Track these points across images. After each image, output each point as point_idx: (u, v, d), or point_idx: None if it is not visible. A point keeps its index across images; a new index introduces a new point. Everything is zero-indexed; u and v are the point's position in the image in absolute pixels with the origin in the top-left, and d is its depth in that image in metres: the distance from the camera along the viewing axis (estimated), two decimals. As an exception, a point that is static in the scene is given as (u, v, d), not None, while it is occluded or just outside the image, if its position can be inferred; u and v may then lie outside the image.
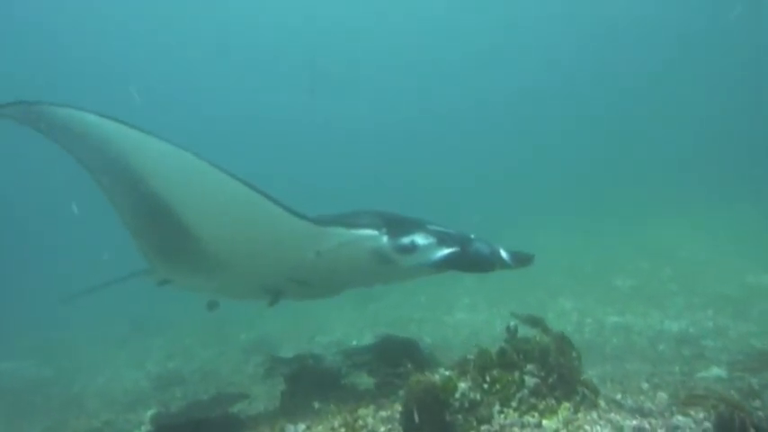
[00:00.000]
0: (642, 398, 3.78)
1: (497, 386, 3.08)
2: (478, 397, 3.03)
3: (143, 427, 5.94)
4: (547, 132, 32.72)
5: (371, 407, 3.81)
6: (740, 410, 2.65)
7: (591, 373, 6.01)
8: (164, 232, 3.85)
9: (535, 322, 3.62)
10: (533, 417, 2.99)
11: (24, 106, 3.01)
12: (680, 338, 7.82)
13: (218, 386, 7.58)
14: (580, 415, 3.03)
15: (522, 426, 2.95)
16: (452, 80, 35.47)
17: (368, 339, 10.10)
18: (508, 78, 34.35)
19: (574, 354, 3.35)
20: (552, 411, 3.02)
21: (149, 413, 6.25)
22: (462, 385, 3.10)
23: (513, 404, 3.03)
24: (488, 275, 4.90)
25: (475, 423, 2.97)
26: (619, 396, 3.68)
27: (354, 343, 10.04)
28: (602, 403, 3.34)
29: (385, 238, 4.20)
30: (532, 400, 3.08)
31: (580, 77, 32.42)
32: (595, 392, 3.29)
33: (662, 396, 4.21)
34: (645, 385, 4.74)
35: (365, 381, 4.81)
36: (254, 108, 35.56)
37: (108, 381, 9.63)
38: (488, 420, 2.97)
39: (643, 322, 8.73)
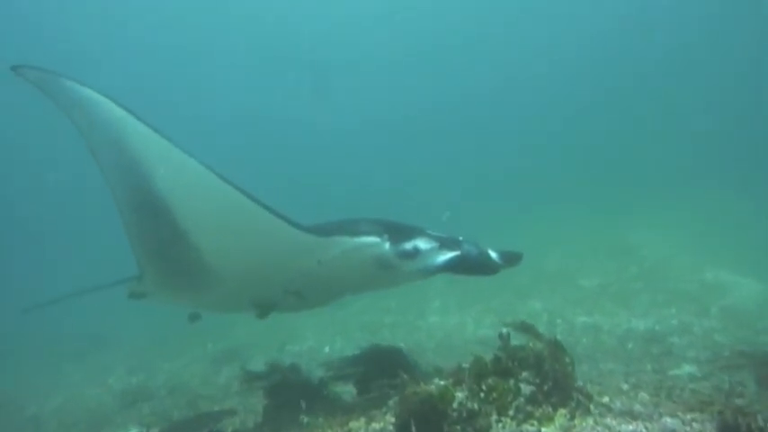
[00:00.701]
0: (628, 400, 3.82)
1: (494, 395, 3.06)
2: (476, 406, 3.00)
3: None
4: (515, 132, 33.30)
5: (362, 419, 3.74)
6: (745, 415, 2.71)
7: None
8: (162, 238, 3.74)
9: (527, 329, 3.63)
10: (532, 425, 2.98)
11: (52, 76, 2.98)
12: (647, 337, 8.02)
13: (188, 400, 7.38)
14: (576, 422, 3.05)
15: (522, 434, 2.94)
16: (435, 75, 35.59)
17: (339, 346, 10.03)
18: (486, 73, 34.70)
19: (567, 359, 3.36)
20: (549, 419, 3.02)
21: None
22: (459, 395, 3.06)
23: (511, 413, 3.01)
24: (457, 278, 4.96)
25: (473, 433, 2.95)
26: (606, 399, 3.70)
27: (327, 350, 9.95)
28: (593, 408, 3.37)
29: (387, 245, 4.21)
30: (529, 408, 3.07)
31: (560, 76, 33.00)
32: (589, 398, 3.32)
33: (644, 396, 4.29)
34: (624, 386, 4.81)
35: (350, 392, 4.74)
36: (250, 107, 35.31)
37: (67, 400, 9.22)
38: (487, 430, 2.95)
39: (611, 321, 8.92)
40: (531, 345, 3.38)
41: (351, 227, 4.21)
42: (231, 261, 3.97)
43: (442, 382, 3.24)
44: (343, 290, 4.88)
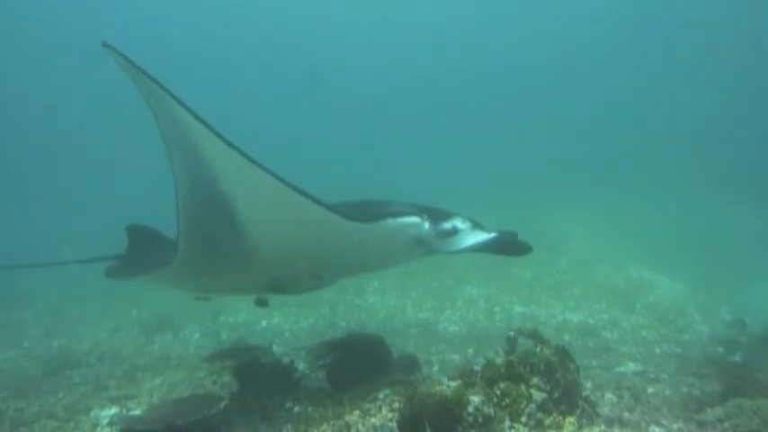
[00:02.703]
0: (615, 407, 3.93)
1: (507, 400, 3.06)
2: (492, 412, 2.99)
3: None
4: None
5: (356, 412, 3.65)
6: None
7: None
8: (215, 227, 3.72)
9: (532, 335, 3.66)
10: (544, 433, 3.02)
11: (136, 70, 2.95)
12: (582, 330, 8.45)
13: (125, 371, 6.88)
14: (585, 431, 3.12)
15: (535, 443, 2.97)
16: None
17: (277, 321, 9.81)
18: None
19: (572, 367, 3.43)
20: (559, 427, 3.08)
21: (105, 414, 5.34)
22: (475, 399, 3.04)
23: (523, 419, 3.04)
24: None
25: (488, 440, 2.94)
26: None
27: (264, 324, 9.72)
28: (587, 413, 3.46)
29: (427, 224, 4.37)
30: (540, 416, 3.11)
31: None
32: (593, 407, 3.40)
33: (611, 398, 4.50)
34: (588, 384, 4.99)
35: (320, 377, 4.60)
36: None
37: (-25, 362, 8.42)
38: (500, 436, 2.95)
39: (546, 312, 9.31)
40: (541, 351, 3.40)
41: (390, 208, 4.31)
42: (276, 250, 3.95)
43: (452, 384, 3.21)
44: (366, 268, 5.08)
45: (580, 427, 3.14)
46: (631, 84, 30.01)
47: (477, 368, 3.31)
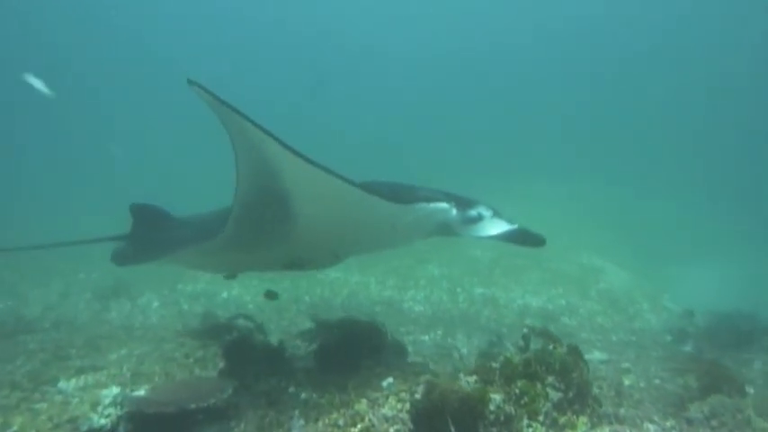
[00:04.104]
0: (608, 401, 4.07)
1: (526, 399, 3.13)
2: (513, 411, 3.05)
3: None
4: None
5: (363, 401, 3.63)
6: None
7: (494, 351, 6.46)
8: (267, 212, 3.81)
9: (544, 333, 3.72)
10: (561, 432, 3.10)
11: (219, 104, 3.14)
12: (542, 314, 8.73)
13: (86, 339, 6.56)
14: (598, 430, 3.23)
15: (554, 441, 3.05)
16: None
17: (237, 292, 9.62)
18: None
19: (583, 365, 3.52)
20: (573, 426, 3.17)
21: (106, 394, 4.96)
22: (496, 397, 3.08)
23: (540, 418, 3.11)
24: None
25: (510, 438, 3.00)
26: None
27: (225, 295, 9.51)
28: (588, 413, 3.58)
29: (454, 210, 4.51)
30: (555, 414, 3.19)
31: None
32: (600, 405, 3.52)
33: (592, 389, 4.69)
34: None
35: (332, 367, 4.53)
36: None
37: None
38: (518, 434, 3.02)
39: (506, 296, 9.55)
40: (556, 350, 3.47)
41: (421, 193, 4.41)
42: (316, 232, 4.06)
43: (469, 380, 3.24)
44: (385, 247, 5.23)
45: (592, 426, 3.26)
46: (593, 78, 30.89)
47: (495, 365, 3.35)
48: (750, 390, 4.57)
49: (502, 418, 3.02)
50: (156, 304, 8.78)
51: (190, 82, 3.06)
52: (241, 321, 6.27)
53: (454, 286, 9.88)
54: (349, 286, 9.86)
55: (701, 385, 4.47)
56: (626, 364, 6.06)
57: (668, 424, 3.63)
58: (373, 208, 3.87)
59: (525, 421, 3.09)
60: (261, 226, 3.87)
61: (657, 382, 5.10)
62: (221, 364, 4.65)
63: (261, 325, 6.18)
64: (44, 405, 4.30)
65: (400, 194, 4.21)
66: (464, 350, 6.49)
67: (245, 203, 3.68)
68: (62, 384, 5.07)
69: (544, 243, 4.72)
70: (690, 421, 3.70)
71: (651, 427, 3.59)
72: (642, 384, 5.00)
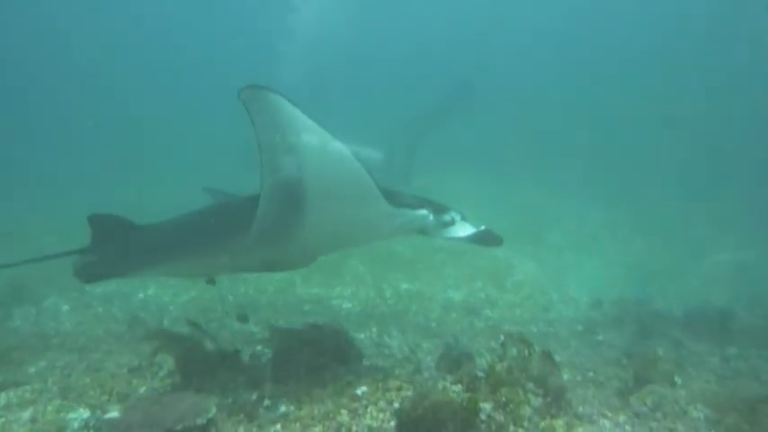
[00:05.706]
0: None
1: (511, 406, 3.29)
2: (503, 419, 3.20)
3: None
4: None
5: (344, 411, 3.63)
6: None
7: (426, 346, 6.62)
8: (287, 209, 3.83)
9: (522, 340, 3.91)
10: (541, 436, 3.30)
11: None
12: (466, 308, 9.09)
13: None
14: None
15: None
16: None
17: (153, 292, 9.13)
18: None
19: (556, 371, 3.75)
20: (552, 429, 3.38)
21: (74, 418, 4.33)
22: (486, 406, 3.22)
23: (525, 424, 3.29)
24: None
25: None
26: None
27: (141, 296, 9.01)
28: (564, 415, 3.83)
29: (431, 216, 4.72)
30: (536, 419, 3.39)
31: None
32: (570, 407, 3.76)
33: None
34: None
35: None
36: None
37: None
38: (506, 441, 3.17)
39: (431, 290, 9.85)
40: (532, 356, 3.66)
41: (405, 199, 4.57)
42: (326, 228, 4.13)
43: (454, 387, 3.35)
44: (356, 246, 5.62)
45: (569, 428, 3.50)
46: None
47: (480, 374, 3.49)
48: (678, 380, 5.06)
49: (493, 426, 3.17)
50: (65, 308, 8.13)
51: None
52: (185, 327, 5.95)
53: (380, 282, 10.02)
54: (273, 283, 9.69)
55: (633, 376, 4.92)
56: (557, 358, 6.48)
57: (621, 419, 3.96)
58: (377, 207, 4.02)
59: (512, 428, 3.26)
60: (282, 221, 3.88)
61: (591, 374, 5.52)
62: (177, 377, 4.43)
63: (207, 330, 5.92)
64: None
65: (390, 198, 4.32)
66: (421, 355, 6.47)
67: (269, 198, 3.70)
68: (-20, 406, 4.60)
69: (502, 243, 5.06)
70: (637, 414, 4.07)
71: (607, 423, 3.91)
72: (579, 378, 5.39)
